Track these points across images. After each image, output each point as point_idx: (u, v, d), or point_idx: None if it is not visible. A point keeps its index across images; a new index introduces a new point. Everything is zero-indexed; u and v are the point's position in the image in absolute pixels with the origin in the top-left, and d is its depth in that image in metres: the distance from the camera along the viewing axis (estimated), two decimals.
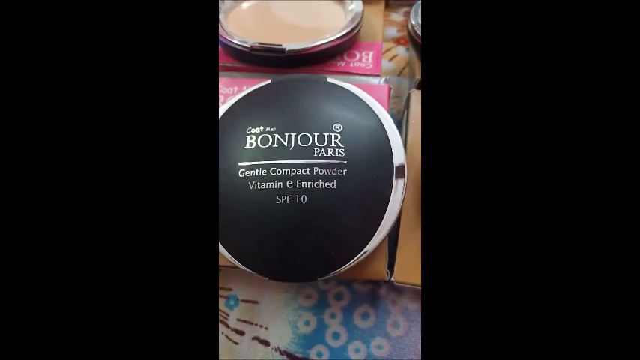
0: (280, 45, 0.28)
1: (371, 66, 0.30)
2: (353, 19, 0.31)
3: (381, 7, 0.37)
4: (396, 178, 0.22)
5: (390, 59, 0.37)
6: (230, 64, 0.30)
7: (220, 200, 0.21)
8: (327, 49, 0.29)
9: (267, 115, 0.24)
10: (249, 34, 0.31)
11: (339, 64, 0.30)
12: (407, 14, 0.43)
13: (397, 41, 0.39)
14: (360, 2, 0.33)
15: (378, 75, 0.29)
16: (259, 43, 0.29)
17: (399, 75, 0.36)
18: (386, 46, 0.38)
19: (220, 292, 0.27)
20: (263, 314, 0.26)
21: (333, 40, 0.29)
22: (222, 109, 0.25)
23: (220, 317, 0.26)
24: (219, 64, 0.30)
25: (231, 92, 0.28)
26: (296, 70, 0.29)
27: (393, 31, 0.40)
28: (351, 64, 0.30)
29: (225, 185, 0.22)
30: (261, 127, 0.23)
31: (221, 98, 0.28)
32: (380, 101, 0.27)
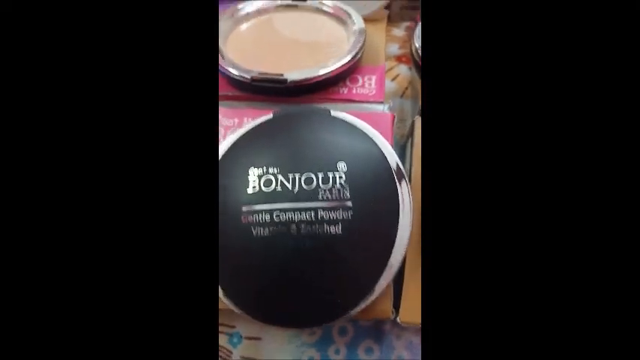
0: (282, 75, 0.28)
1: (374, 92, 0.30)
2: (355, 43, 0.30)
3: (384, 24, 0.37)
4: (402, 218, 0.22)
5: (393, 79, 0.36)
6: (230, 94, 0.30)
7: (223, 246, 0.21)
8: (329, 78, 0.28)
9: (270, 154, 0.23)
10: (249, 56, 0.30)
11: (341, 90, 0.30)
12: (409, 29, 0.42)
13: (399, 59, 0.39)
14: (362, 23, 0.32)
15: (382, 102, 0.29)
16: (260, 73, 0.28)
17: (401, 96, 0.35)
18: (388, 64, 0.38)
19: (224, 330, 0.26)
20: (266, 351, 0.26)
21: (335, 69, 0.28)
22: (222, 147, 0.24)
23: (224, 355, 0.26)
24: (219, 93, 0.30)
25: (232, 124, 0.28)
26: (298, 99, 0.29)
27: (394, 48, 0.40)
28: (354, 91, 0.30)
29: (227, 230, 0.21)
30: (264, 168, 0.23)
31: (221, 131, 0.27)
32: (383, 130, 0.26)
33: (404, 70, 0.37)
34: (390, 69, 0.37)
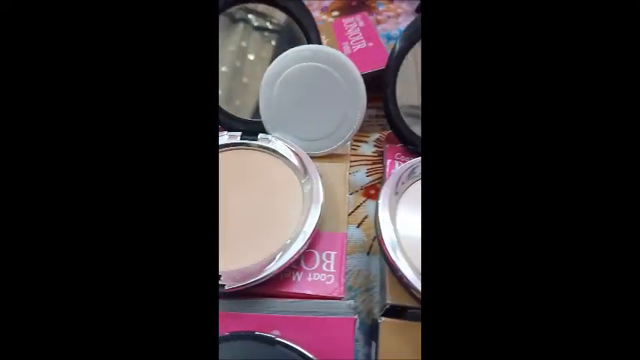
0: (219, 277, 0.23)
1: (332, 280, 0.25)
2: (310, 218, 0.26)
3: (347, 162, 0.32)
4: None
5: (358, 225, 0.32)
6: None
7: None
8: (279, 273, 0.24)
9: None
10: None
11: (294, 277, 0.25)
12: (380, 142, 0.38)
13: (367, 192, 0.34)
14: (320, 181, 0.28)
15: (341, 298, 0.25)
16: None
17: (368, 252, 0.31)
18: (354, 200, 0.34)
19: None
20: None
21: (285, 264, 0.24)
22: None
23: None
24: None
25: None
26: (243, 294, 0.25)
27: (361, 175, 0.35)
28: (309, 278, 0.25)
29: None
30: None
31: None
32: (343, 340, 0.23)
33: (372, 209, 0.33)
34: (356, 208, 0.33)
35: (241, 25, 0.33)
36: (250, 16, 0.33)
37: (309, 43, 0.31)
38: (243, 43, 0.33)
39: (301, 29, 0.31)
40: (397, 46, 0.30)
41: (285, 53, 0.30)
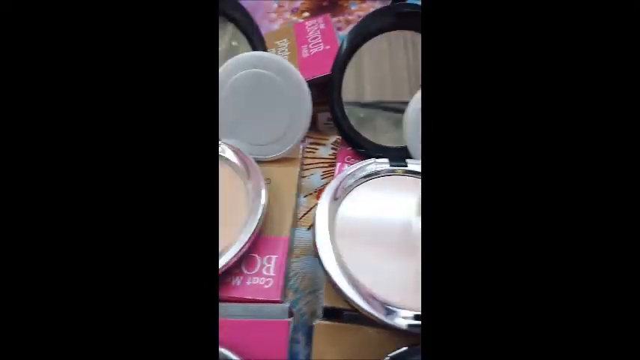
0: None
1: (271, 284, 0.26)
2: (251, 221, 0.27)
3: (297, 166, 0.33)
4: None
5: (309, 228, 0.33)
6: None
7: None
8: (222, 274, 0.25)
9: None
10: None
11: (234, 282, 0.26)
12: (338, 145, 0.38)
13: (320, 195, 0.35)
14: (263, 187, 0.28)
15: (278, 301, 0.25)
16: None
17: (317, 255, 0.31)
18: (306, 203, 0.34)
19: None
20: None
21: (223, 266, 0.25)
22: None
23: None
24: None
25: None
26: None
27: (316, 177, 0.36)
28: (249, 282, 0.26)
29: None
30: None
31: None
32: (276, 343, 0.23)
33: None
34: (309, 211, 0.34)
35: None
36: None
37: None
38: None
39: (247, 39, 0.31)
40: (342, 50, 0.31)
41: (229, 61, 0.30)
